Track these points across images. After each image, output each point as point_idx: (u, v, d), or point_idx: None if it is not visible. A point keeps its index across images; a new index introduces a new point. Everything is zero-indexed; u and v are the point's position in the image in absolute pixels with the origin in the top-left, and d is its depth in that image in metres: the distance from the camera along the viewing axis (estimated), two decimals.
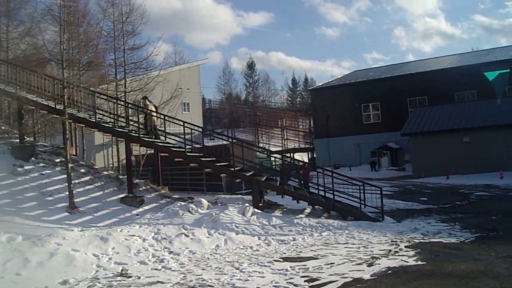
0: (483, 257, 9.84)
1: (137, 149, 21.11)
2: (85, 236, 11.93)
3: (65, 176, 16.21)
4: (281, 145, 66.54)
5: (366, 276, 8.80)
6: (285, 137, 69.06)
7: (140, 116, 19.82)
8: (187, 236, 12.75)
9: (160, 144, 18.47)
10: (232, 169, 17.80)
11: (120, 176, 19.57)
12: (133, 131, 18.70)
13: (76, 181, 17.10)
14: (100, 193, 17.23)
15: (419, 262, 9.70)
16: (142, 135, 18.31)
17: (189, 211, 14.88)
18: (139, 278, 9.48)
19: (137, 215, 15.52)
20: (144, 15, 24.38)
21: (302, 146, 66.20)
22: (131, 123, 19.58)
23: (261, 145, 58.45)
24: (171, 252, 11.68)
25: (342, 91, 48.09)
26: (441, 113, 35.43)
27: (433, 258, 10.06)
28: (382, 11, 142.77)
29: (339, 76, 57.91)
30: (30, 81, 18.44)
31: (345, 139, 45.58)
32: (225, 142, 22.89)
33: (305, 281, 8.71)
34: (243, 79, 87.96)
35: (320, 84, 56.12)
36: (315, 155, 51.87)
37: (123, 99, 21.83)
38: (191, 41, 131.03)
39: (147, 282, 9.12)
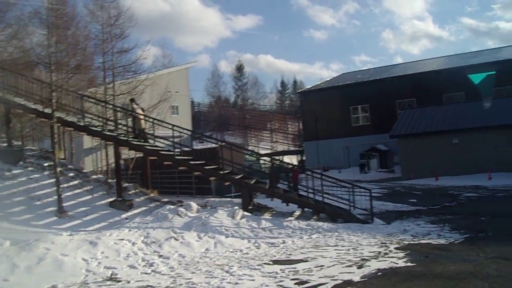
0: (472, 258, 9.91)
1: (126, 153, 21.02)
2: (74, 240, 11.86)
3: (53, 180, 16.14)
4: (270, 147, 66.58)
5: (356, 278, 8.84)
6: (274, 140, 69.14)
7: (128, 119, 19.76)
8: (176, 239, 12.73)
9: (149, 147, 18.44)
10: (221, 172, 17.80)
11: (109, 180, 19.51)
12: (122, 135, 18.64)
13: (65, 185, 17.03)
14: (89, 197, 17.18)
15: (409, 264, 9.75)
16: (131, 139, 18.26)
17: (178, 215, 14.87)
18: (128, 282, 9.46)
19: (126, 219, 15.48)
20: (133, 18, 24.28)
21: (291, 148, 66.28)
22: (120, 126, 19.50)
23: (250, 148, 58.37)
24: (160, 256, 11.65)
25: (331, 93, 48.21)
26: (429, 115, 35.63)
27: (423, 259, 10.12)
28: (370, 13, 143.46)
29: (328, 79, 58.11)
30: (17, 84, 18.34)
31: (334, 142, 45.67)
32: (214, 145, 22.87)
33: (295, 283, 8.73)
34: (232, 82, 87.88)
35: (309, 87, 56.28)
36: (304, 158, 51.94)
37: (112, 103, 21.74)
38: (180, 44, 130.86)
39: (137, 286, 9.10)
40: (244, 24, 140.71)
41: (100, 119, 19.22)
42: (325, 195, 17.05)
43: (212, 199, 19.35)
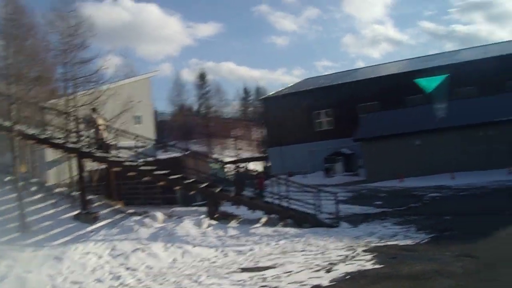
0: (438, 257, 10.13)
1: (90, 164, 20.76)
2: (38, 256, 11.68)
3: (15, 195, 15.80)
4: (235, 155, 66.59)
5: (325, 283, 8.94)
6: (238, 147, 69.20)
7: (91, 130, 19.53)
8: (143, 251, 12.64)
9: (113, 158, 18.26)
10: (186, 181, 17.75)
11: (73, 193, 19.22)
12: (85, 146, 18.41)
13: (28, 199, 16.69)
14: (53, 211, 16.87)
15: (377, 266, 9.91)
16: (94, 150, 18.06)
17: (144, 226, 14.78)
18: None
19: (92, 232, 15.24)
20: (93, 28, 24.08)
21: (256, 155, 66.41)
22: (83, 138, 19.26)
23: (214, 155, 58.25)
24: (128, 268, 11.55)
25: (294, 99, 48.41)
26: (392, 118, 36.18)
27: (390, 261, 10.29)
28: (331, 19, 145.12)
29: (290, 85, 58.34)
30: None
31: (298, 147, 45.89)
32: (178, 154, 22.79)
33: None
34: (195, 90, 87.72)
35: (272, 93, 56.41)
36: (269, 164, 52.06)
37: (74, 114, 21.45)
38: (142, 53, 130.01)
39: None
40: (206, 32, 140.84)
41: (62, 131, 18.94)
42: (291, 201, 17.17)
43: (178, 208, 19.26)
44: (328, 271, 9.81)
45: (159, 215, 15.85)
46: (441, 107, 30.39)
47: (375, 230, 14.64)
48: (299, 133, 46.27)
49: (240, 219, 17.36)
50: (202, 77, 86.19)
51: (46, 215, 16.33)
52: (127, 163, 18.12)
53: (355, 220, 17.05)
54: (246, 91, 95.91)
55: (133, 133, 18.44)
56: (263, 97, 62.69)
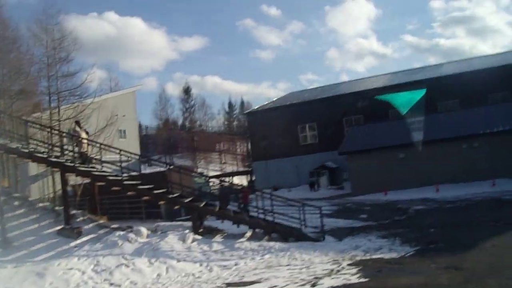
0: (423, 270, 10.16)
1: (74, 179, 20.61)
2: (20, 272, 11.54)
3: None
4: (219, 169, 66.51)
5: None
6: (223, 161, 69.14)
7: (74, 144, 19.41)
8: (127, 266, 12.55)
9: (97, 173, 18.15)
10: (171, 196, 17.68)
11: (57, 207, 19.04)
12: (69, 161, 18.29)
13: (10, 214, 16.48)
14: (36, 226, 16.67)
15: (362, 279, 9.90)
16: (78, 164, 17.94)
17: (128, 241, 14.66)
18: None
19: (75, 247, 15.07)
20: (77, 41, 24.07)
21: (241, 169, 66.37)
22: (67, 152, 19.14)
23: (199, 170, 58.17)
24: (111, 283, 11.46)
25: (279, 113, 48.54)
26: (376, 131, 36.34)
27: (376, 274, 10.30)
28: (315, 33, 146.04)
29: (275, 99, 58.49)
30: None
31: (283, 161, 45.92)
32: (163, 169, 22.72)
33: None
34: (180, 104, 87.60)
35: (257, 107, 56.52)
36: (254, 178, 52.03)
37: (58, 128, 21.33)
38: (126, 67, 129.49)
39: None
40: (191, 46, 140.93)
41: (45, 145, 18.81)
42: (275, 215, 17.16)
43: (163, 223, 19.17)
44: (314, 285, 9.79)
45: (144, 230, 15.75)
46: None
47: (360, 244, 14.65)
48: (284, 147, 46.31)
49: (225, 234, 17.31)
50: (187, 91, 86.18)
51: (28, 230, 16.14)
52: (111, 178, 18.01)
53: (340, 234, 17.06)
54: (231, 105, 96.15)
55: (117, 148, 18.35)
56: (248, 111, 62.86)
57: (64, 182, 17.78)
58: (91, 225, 18.09)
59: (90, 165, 18.70)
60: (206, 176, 31.63)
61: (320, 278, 10.41)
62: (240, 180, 51.06)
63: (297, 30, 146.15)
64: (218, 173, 60.21)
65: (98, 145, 18.88)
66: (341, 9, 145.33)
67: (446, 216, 19.75)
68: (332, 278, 10.27)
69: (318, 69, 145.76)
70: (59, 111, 23.03)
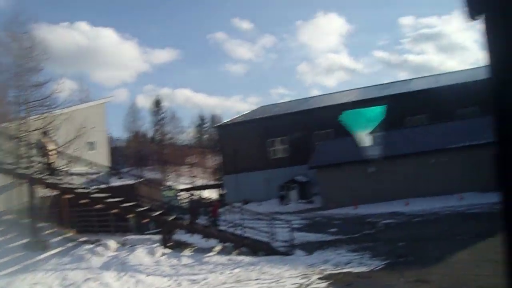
0: (393, 283, 10.30)
1: (41, 191, 20.30)
2: None
3: None
4: (190, 182, 66.20)
5: None
6: (193, 174, 68.86)
7: (42, 155, 19.16)
8: (95, 280, 12.39)
9: (65, 185, 17.94)
10: (140, 209, 17.57)
11: (23, 220, 18.71)
12: (37, 172, 18.04)
13: None
14: (1, 239, 16.38)
15: None
16: (46, 176, 17.71)
17: (96, 254, 14.51)
18: None
19: (42, 261, 14.85)
20: (47, 51, 23.85)
21: (211, 183, 66.17)
22: (35, 164, 18.87)
23: (169, 183, 57.76)
24: None
25: (249, 127, 48.68)
26: (346, 145, 36.58)
27: None
28: (286, 47, 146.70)
29: (246, 112, 58.67)
30: None
31: (253, 175, 45.97)
32: (132, 181, 22.57)
33: None
34: (150, 116, 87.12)
35: (227, 121, 56.58)
36: (224, 192, 51.93)
37: (26, 139, 21.03)
38: (97, 78, 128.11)
39: None
40: (162, 58, 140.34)
41: (13, 156, 18.52)
42: (245, 229, 17.20)
43: (132, 236, 19.00)
44: None
45: (112, 243, 15.62)
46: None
47: (329, 258, 14.76)
48: (254, 161, 46.40)
49: (194, 248, 17.25)
50: (157, 103, 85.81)
51: None
52: (79, 190, 17.84)
53: (309, 248, 17.15)
54: (201, 118, 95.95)
55: (86, 160, 18.19)
56: (218, 124, 62.79)
57: (31, 194, 17.52)
58: (58, 238, 17.85)
59: (59, 177, 18.48)
60: (176, 189, 31.49)
61: None
62: (211, 194, 50.81)
63: (268, 44, 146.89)
64: (188, 186, 59.88)
65: (67, 156, 18.65)
66: (312, 24, 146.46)
67: (415, 230, 20.03)
68: None
69: (289, 83, 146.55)
70: (27, 121, 22.71)
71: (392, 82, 54.11)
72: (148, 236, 19.29)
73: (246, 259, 15.10)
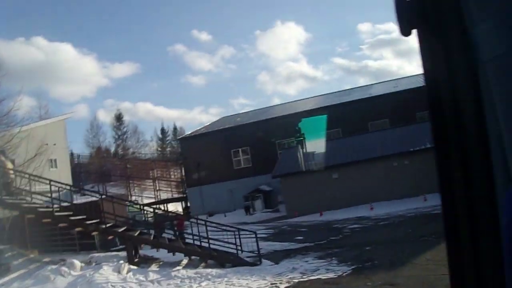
0: None
1: (1, 212, 19.90)
2: None
3: None
4: (154, 196, 65.57)
5: None
6: (157, 188, 68.24)
7: (1, 176, 18.75)
8: None
9: (26, 205, 17.61)
10: (104, 226, 17.37)
11: None
12: None
13: None
14: None
15: None
16: (5, 196, 17.35)
17: (61, 275, 14.30)
18: None
19: (3, 285, 14.53)
20: (3, 67, 23.42)
21: (176, 196, 65.65)
22: None
23: (133, 198, 57.10)
24: None
25: (211, 138, 48.55)
26: (308, 153, 36.90)
27: None
28: (246, 57, 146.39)
29: (208, 123, 58.49)
30: None
31: (217, 186, 45.81)
32: (95, 198, 22.28)
33: None
34: (112, 131, 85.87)
35: (189, 133, 56.37)
36: (189, 204, 51.62)
37: None
38: (56, 94, 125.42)
39: None
40: (122, 72, 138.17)
41: None
42: (211, 241, 17.17)
43: (97, 254, 18.77)
44: None
45: (77, 262, 15.38)
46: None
47: (297, 266, 14.84)
48: (218, 172, 46.26)
49: (161, 262, 17.14)
50: (118, 118, 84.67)
51: None
52: (41, 209, 17.53)
53: (276, 257, 17.22)
54: (163, 131, 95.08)
55: (47, 178, 17.89)
56: (180, 137, 62.55)
57: None
58: (20, 260, 17.46)
59: (19, 197, 18.13)
60: (140, 204, 31.20)
61: None
62: (175, 207, 50.47)
63: (228, 54, 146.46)
64: (153, 200, 59.29)
65: (27, 175, 18.31)
66: (271, 33, 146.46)
67: (380, 234, 20.29)
68: None
69: (249, 93, 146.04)
70: None
71: (352, 88, 54.80)
72: (114, 253, 19.08)
73: (214, 271, 15.07)
